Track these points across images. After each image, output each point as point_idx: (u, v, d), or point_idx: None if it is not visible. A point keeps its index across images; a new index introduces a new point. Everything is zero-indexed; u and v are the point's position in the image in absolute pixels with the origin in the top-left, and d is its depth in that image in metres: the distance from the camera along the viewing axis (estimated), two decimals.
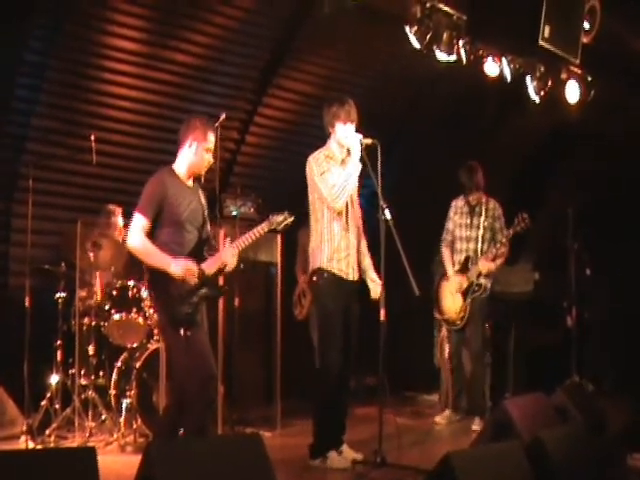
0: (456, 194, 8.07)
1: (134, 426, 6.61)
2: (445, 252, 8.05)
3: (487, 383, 8.35)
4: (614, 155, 10.12)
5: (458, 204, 8.05)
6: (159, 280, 5.24)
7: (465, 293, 7.83)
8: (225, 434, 6.70)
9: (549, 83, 8.65)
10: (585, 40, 7.58)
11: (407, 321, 8.42)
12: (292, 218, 5.67)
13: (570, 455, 4.84)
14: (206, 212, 5.57)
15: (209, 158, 5.50)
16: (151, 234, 5.28)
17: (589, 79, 8.94)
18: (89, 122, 7.91)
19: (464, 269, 7.87)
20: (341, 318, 6.05)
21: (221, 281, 5.93)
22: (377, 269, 5.97)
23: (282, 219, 5.63)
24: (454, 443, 7.08)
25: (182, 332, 5.14)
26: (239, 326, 7.55)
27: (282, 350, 7.63)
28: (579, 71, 8.77)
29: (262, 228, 5.55)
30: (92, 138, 6.87)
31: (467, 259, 7.88)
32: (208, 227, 5.58)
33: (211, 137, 5.45)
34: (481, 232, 7.85)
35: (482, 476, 4.24)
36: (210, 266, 5.36)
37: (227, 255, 5.41)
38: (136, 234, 5.25)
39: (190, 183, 5.50)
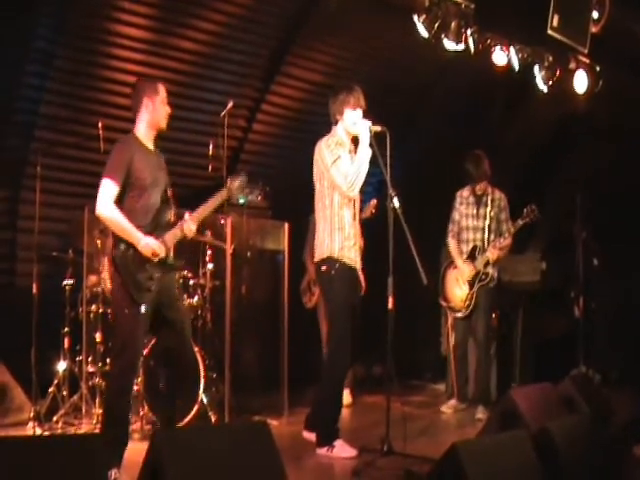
0: (463, 184, 8.06)
1: (141, 413, 6.63)
2: (451, 242, 8.04)
3: (493, 372, 8.37)
4: (622, 146, 10.08)
5: (464, 194, 8.02)
6: (124, 254, 5.22)
7: (472, 282, 7.83)
8: (232, 422, 6.71)
9: (557, 73, 8.60)
10: (594, 30, 7.56)
11: (415, 310, 8.40)
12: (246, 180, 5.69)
13: (577, 445, 4.84)
14: (167, 176, 5.56)
15: (167, 109, 5.52)
16: (117, 199, 5.24)
17: (597, 69, 8.90)
18: (97, 110, 7.91)
19: (471, 258, 7.88)
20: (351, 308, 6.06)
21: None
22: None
23: (239, 184, 5.66)
24: (460, 432, 7.08)
25: (140, 307, 5.17)
26: (246, 314, 7.56)
27: (289, 338, 7.64)
28: (587, 61, 8.73)
29: (218, 197, 5.58)
30: (100, 126, 6.87)
31: (474, 248, 7.87)
32: (169, 191, 5.56)
33: (161, 88, 5.48)
34: (487, 222, 7.84)
35: (489, 466, 4.24)
36: (171, 238, 5.39)
37: (187, 227, 5.44)
38: (107, 202, 5.18)
39: (151, 147, 5.49)
